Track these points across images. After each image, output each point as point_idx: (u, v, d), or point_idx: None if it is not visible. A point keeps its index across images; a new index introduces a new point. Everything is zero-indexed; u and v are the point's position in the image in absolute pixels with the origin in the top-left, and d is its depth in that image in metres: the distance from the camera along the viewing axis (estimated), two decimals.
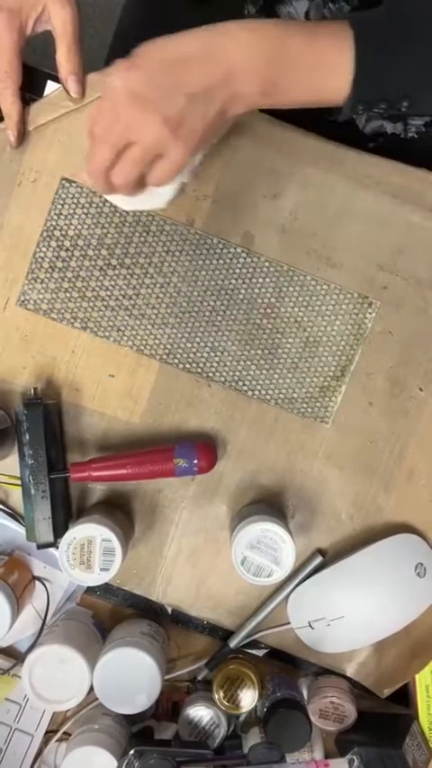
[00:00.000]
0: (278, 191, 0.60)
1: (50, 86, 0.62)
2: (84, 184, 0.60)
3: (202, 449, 0.59)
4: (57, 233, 0.61)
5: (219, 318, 0.62)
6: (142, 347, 0.62)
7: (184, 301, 0.62)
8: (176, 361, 0.62)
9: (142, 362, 0.62)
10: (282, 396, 0.62)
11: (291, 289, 0.61)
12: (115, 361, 0.62)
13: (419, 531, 0.63)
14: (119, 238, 0.61)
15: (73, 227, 0.61)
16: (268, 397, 0.62)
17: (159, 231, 0.61)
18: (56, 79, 0.63)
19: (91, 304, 0.62)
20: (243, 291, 0.62)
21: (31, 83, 0.63)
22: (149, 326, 0.62)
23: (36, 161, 0.60)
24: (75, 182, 0.60)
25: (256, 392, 0.62)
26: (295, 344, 0.62)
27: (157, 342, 0.62)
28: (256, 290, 0.61)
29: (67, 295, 0.62)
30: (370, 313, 0.61)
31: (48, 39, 0.56)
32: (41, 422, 0.57)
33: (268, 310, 0.61)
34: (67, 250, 0.61)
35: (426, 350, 0.62)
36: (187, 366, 0.62)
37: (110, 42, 0.84)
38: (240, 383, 0.62)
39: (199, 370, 0.62)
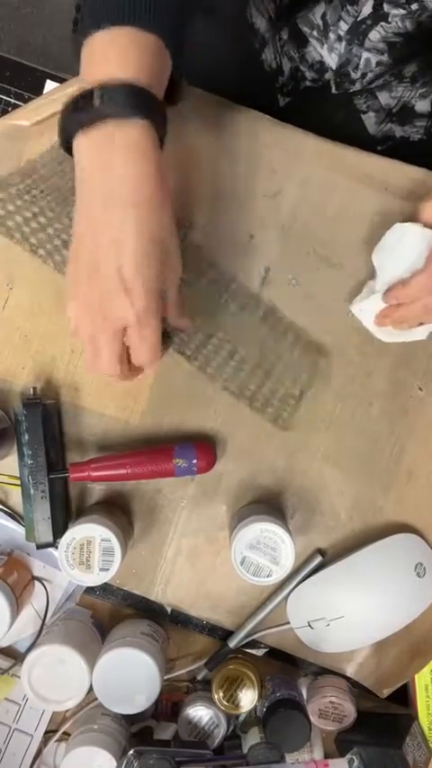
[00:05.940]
0: (278, 190, 0.60)
1: (49, 85, 0.62)
2: None
3: (202, 449, 0.59)
4: (35, 175, 0.60)
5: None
6: None
7: None
8: None
9: None
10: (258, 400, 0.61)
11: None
12: None
13: (419, 531, 0.63)
14: None
15: (52, 182, 0.60)
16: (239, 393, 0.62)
17: None
18: (55, 79, 0.63)
19: (49, 236, 0.60)
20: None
21: (31, 83, 0.63)
22: None
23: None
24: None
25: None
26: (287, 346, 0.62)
27: None
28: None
29: (27, 215, 0.60)
30: None
31: (47, 39, 0.56)
32: (41, 422, 0.57)
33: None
34: (42, 192, 0.59)
35: (425, 349, 0.62)
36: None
37: None
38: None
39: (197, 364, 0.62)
